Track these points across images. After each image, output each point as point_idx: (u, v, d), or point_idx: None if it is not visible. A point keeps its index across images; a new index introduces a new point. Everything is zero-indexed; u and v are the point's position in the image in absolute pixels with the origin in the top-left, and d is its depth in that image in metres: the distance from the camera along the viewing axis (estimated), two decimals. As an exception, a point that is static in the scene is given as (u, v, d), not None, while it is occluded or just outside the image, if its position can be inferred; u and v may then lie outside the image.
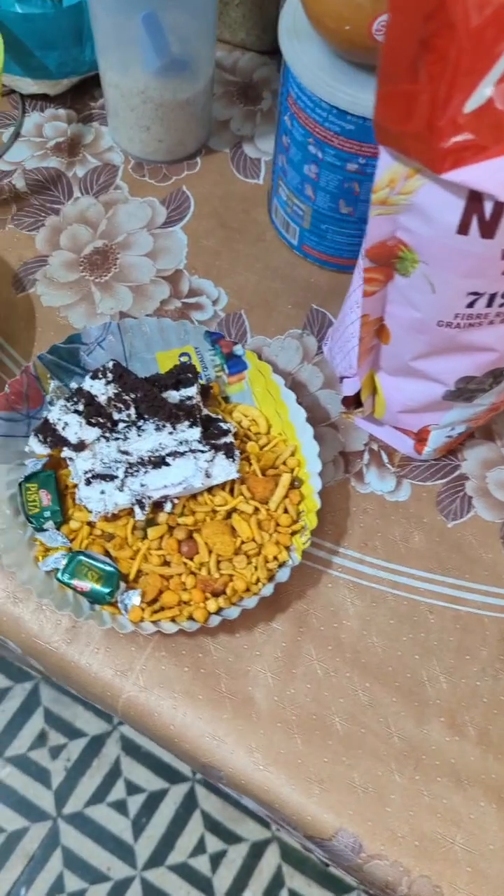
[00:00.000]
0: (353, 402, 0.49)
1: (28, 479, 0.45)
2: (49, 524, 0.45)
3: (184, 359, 0.50)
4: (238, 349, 0.49)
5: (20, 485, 0.45)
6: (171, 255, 0.55)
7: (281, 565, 0.44)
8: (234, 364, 0.50)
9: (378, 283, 0.38)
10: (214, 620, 0.42)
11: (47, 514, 0.45)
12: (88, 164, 0.58)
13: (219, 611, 0.43)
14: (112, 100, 0.55)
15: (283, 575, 0.44)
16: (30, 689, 1.17)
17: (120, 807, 1.12)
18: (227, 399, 0.50)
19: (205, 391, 0.49)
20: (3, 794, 1.11)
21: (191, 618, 0.43)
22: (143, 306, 0.54)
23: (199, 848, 1.10)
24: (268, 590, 0.43)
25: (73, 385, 0.49)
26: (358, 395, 0.47)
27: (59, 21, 0.54)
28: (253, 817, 1.12)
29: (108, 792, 1.12)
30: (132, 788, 1.13)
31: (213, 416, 0.47)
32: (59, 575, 0.43)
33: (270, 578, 0.44)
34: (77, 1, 0.54)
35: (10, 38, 0.55)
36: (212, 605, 0.43)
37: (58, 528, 0.45)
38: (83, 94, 0.61)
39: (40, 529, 0.45)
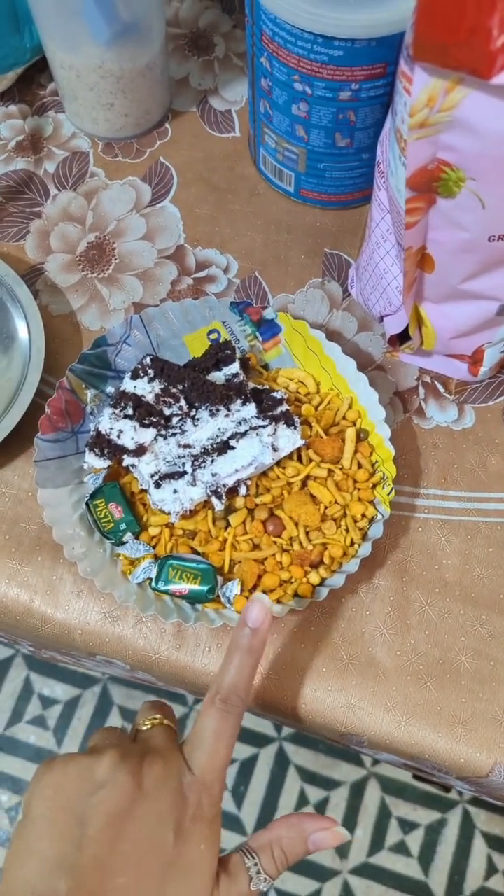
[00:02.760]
0: (398, 338, 0.47)
1: (93, 496, 0.44)
2: (128, 536, 0.43)
3: (213, 336, 0.48)
4: (269, 313, 0.47)
5: (87, 504, 0.44)
6: (167, 232, 0.53)
7: (370, 521, 0.43)
8: (267, 329, 0.48)
9: (420, 211, 0.36)
10: (322, 593, 0.41)
11: (123, 526, 0.43)
12: (56, 156, 0.55)
13: (322, 581, 0.42)
14: (66, 83, 0.51)
15: (376, 531, 0.42)
16: (99, 693, 1.17)
17: (216, 781, 1.13)
18: (266, 367, 0.49)
19: (244, 364, 0.47)
20: (101, 797, 1.12)
21: (296, 594, 0.42)
22: (154, 292, 0.51)
23: (302, 801, 1.12)
24: (366, 549, 0.42)
25: (110, 389, 0.47)
26: (403, 330, 0.46)
27: (-7, 11, 0.50)
28: (345, 759, 1.13)
29: (200, 770, 1.13)
30: (223, 761, 1.14)
31: (260, 387, 0.46)
32: (153, 584, 0.42)
33: (363, 537, 0.43)
34: (5, -15, 0.50)
35: None
36: (314, 577, 0.42)
37: (137, 538, 0.43)
38: (29, 83, 0.57)
39: (120, 543, 0.43)
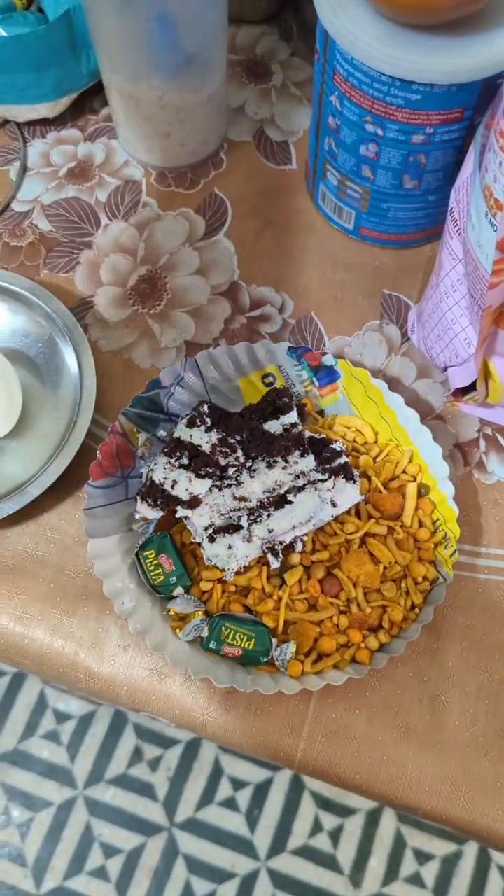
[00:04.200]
0: (461, 389, 0.46)
1: (143, 546, 0.42)
2: (178, 590, 0.42)
3: (268, 380, 0.47)
4: (328, 360, 0.45)
5: (137, 554, 0.42)
6: (221, 267, 0.51)
7: (431, 584, 0.42)
8: (325, 375, 0.46)
9: (506, 273, 0.35)
10: (381, 660, 0.39)
11: (173, 580, 0.41)
12: (108, 185, 0.54)
13: (380, 647, 0.40)
14: (123, 111, 0.50)
15: (438, 596, 0.41)
16: (114, 710, 1.16)
17: (230, 804, 1.11)
18: (321, 413, 0.47)
19: (299, 410, 0.45)
20: (113, 815, 1.11)
21: (353, 660, 0.40)
22: (207, 330, 0.50)
23: (317, 827, 1.11)
24: (427, 615, 0.40)
25: (161, 433, 0.45)
26: (467, 385, 0.44)
27: (51, 37, 0.49)
28: (363, 787, 1.11)
29: (214, 792, 1.12)
30: (237, 784, 1.12)
31: (317, 436, 0.44)
32: (205, 644, 0.40)
33: (425, 600, 0.41)
34: (64, 10, 0.49)
35: (0, 64, 0.49)
36: (372, 642, 0.40)
37: (188, 592, 0.42)
38: (82, 109, 0.56)
39: (170, 598, 0.42)
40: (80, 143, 0.55)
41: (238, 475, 0.42)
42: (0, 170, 0.54)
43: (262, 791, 1.12)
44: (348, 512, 0.42)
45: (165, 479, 0.42)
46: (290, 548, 0.42)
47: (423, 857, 1.09)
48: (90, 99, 0.56)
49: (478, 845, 1.09)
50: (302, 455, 0.42)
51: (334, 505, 0.41)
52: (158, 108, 0.48)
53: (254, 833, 1.10)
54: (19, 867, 1.08)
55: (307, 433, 0.44)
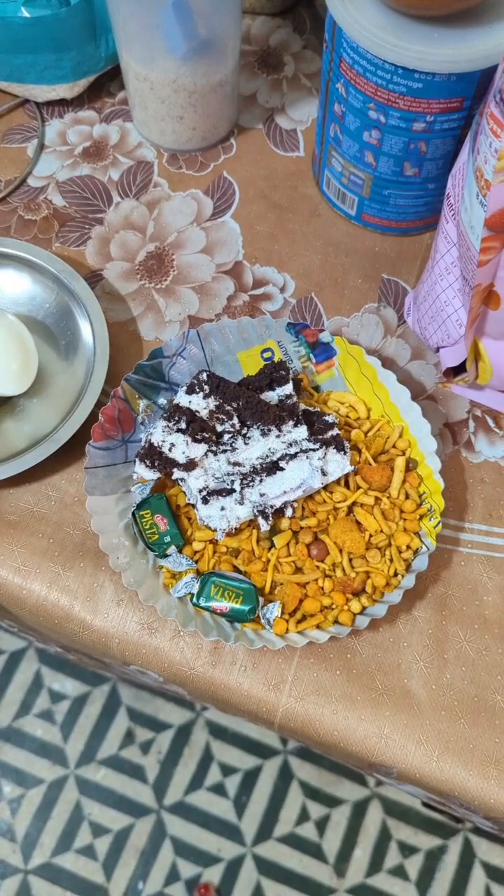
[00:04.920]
0: (453, 370, 0.47)
1: (140, 506, 0.44)
2: (171, 549, 0.43)
3: (267, 355, 0.48)
4: (325, 336, 0.47)
5: (133, 514, 0.44)
6: (226, 247, 0.53)
7: (415, 553, 0.43)
8: (322, 352, 0.48)
9: (493, 251, 0.36)
10: (362, 622, 0.41)
11: (167, 539, 0.43)
12: (121, 164, 0.56)
13: (363, 610, 0.42)
14: (139, 93, 0.52)
15: (421, 563, 0.42)
16: (108, 692, 1.18)
17: (218, 789, 1.13)
18: (317, 388, 0.49)
19: (296, 384, 0.47)
20: (103, 795, 1.12)
21: (336, 621, 0.42)
22: (210, 306, 0.51)
23: (303, 816, 1.12)
24: (409, 581, 0.42)
25: (161, 400, 0.47)
26: (457, 364, 0.46)
27: (72, 19, 0.51)
28: (349, 777, 1.13)
29: (204, 777, 1.13)
30: (227, 770, 1.14)
31: (312, 409, 0.46)
32: (194, 600, 0.42)
33: (407, 568, 0.43)
34: (86, -6, 0.51)
35: (21, 44, 0.51)
36: (355, 605, 0.42)
37: (180, 551, 0.44)
38: (99, 91, 0.58)
39: (163, 555, 0.43)
40: (96, 124, 0.57)
41: (233, 441, 0.44)
42: (18, 147, 0.56)
43: (250, 778, 1.13)
44: (338, 482, 0.44)
45: (163, 441, 0.44)
46: (280, 512, 0.43)
47: (407, 849, 1.10)
48: (107, 82, 0.58)
49: (462, 841, 1.10)
50: (295, 425, 0.44)
51: (324, 474, 0.43)
52: (172, 91, 0.50)
53: (241, 819, 1.12)
54: (8, 842, 1.10)
55: (301, 405, 0.45)
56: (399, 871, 1.09)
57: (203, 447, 0.44)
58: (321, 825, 1.11)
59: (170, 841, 1.10)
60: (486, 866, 1.09)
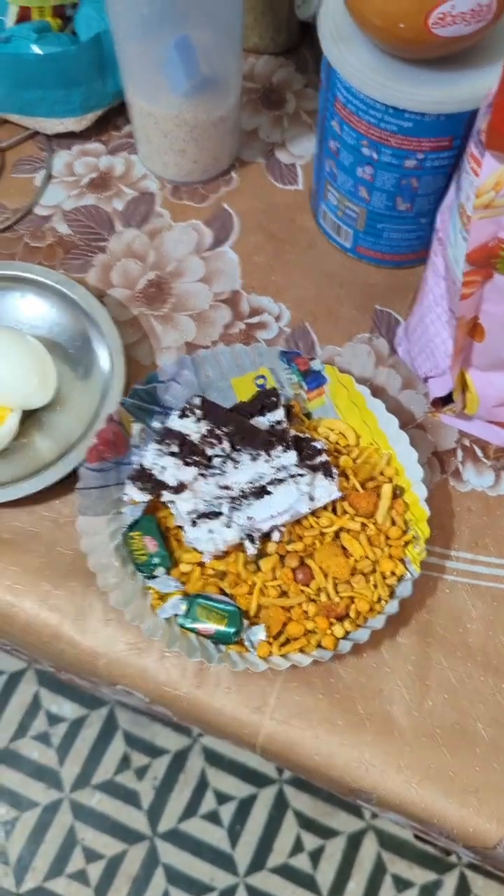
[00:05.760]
0: (441, 400, 0.48)
1: (131, 527, 0.45)
2: (159, 570, 0.44)
3: (259, 381, 0.49)
4: (316, 364, 0.48)
5: (124, 535, 0.45)
6: (225, 276, 0.54)
7: (399, 579, 0.44)
8: (313, 380, 0.49)
9: (476, 284, 0.37)
10: (345, 646, 0.42)
11: (156, 560, 0.44)
12: (125, 195, 0.57)
13: (346, 635, 0.43)
14: (143, 127, 0.54)
15: (405, 590, 0.43)
16: (105, 715, 1.17)
17: (213, 817, 1.12)
18: (308, 415, 0.50)
19: (287, 411, 0.48)
20: (97, 820, 1.12)
21: (319, 646, 0.42)
22: (206, 334, 0.53)
23: (297, 847, 1.11)
24: (393, 607, 0.43)
25: (155, 424, 0.48)
26: (446, 393, 0.47)
27: (81, 57, 0.53)
28: (345, 809, 1.12)
29: (198, 804, 1.13)
30: (222, 798, 1.13)
31: (302, 435, 0.47)
32: (180, 621, 0.43)
33: (391, 594, 0.44)
34: (95, 33, 0.53)
35: (32, 79, 0.54)
36: (338, 630, 0.43)
37: (168, 573, 0.44)
38: (106, 125, 0.60)
39: (151, 577, 0.44)
40: (102, 156, 0.59)
41: (223, 465, 0.45)
42: (26, 177, 0.58)
43: (245, 806, 1.12)
44: (325, 507, 0.45)
45: (155, 464, 0.45)
46: (267, 537, 0.44)
47: (402, 883, 1.09)
48: (114, 116, 0.60)
49: (458, 876, 1.08)
50: (285, 450, 0.45)
51: (312, 499, 0.44)
52: (174, 125, 0.52)
53: (234, 848, 1.11)
54: (1, 865, 1.09)
55: (292, 431, 0.46)
56: (394, 907, 1.08)
57: (193, 470, 0.45)
58: (315, 856, 1.10)
59: (162, 868, 1.09)
60: (482, 903, 1.08)
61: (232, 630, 0.42)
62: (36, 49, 0.53)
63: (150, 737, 1.16)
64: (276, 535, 0.44)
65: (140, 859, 1.10)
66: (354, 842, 1.11)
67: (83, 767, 1.14)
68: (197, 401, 0.46)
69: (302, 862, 1.10)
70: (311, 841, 1.11)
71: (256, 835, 1.11)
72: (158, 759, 1.15)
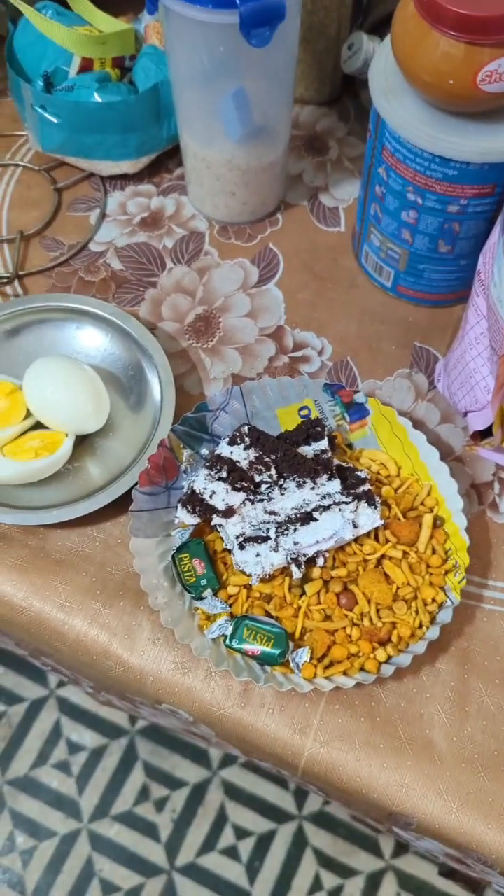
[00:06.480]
0: (480, 434, 0.50)
1: (179, 549, 0.47)
2: (207, 592, 0.46)
3: (304, 412, 0.51)
4: (359, 397, 0.50)
5: (173, 556, 0.46)
6: (269, 312, 0.57)
7: (440, 606, 0.45)
8: (356, 412, 0.51)
9: (521, 324, 0.39)
10: (388, 670, 0.43)
11: (204, 582, 0.46)
12: (175, 234, 0.60)
13: (388, 659, 0.44)
14: (195, 171, 0.57)
15: (445, 616, 0.44)
16: (126, 745, 1.18)
17: (231, 853, 1.11)
18: (350, 446, 0.51)
19: (330, 441, 0.50)
20: (115, 852, 1.11)
21: (363, 669, 0.44)
22: (252, 366, 0.55)
23: (316, 885, 1.10)
24: (433, 633, 0.44)
25: (204, 451, 0.50)
26: (485, 427, 0.48)
27: (139, 105, 0.56)
28: (364, 848, 1.11)
29: (217, 839, 1.12)
30: (241, 833, 1.12)
31: (345, 465, 0.48)
32: (227, 641, 0.44)
33: (432, 621, 0.45)
34: (153, 84, 0.56)
35: (92, 125, 0.57)
36: (381, 654, 0.44)
37: (216, 595, 0.46)
38: (159, 167, 0.63)
39: (199, 598, 0.46)
40: (154, 196, 0.62)
41: (270, 491, 0.47)
42: (82, 215, 0.61)
43: (264, 842, 1.12)
44: (368, 535, 0.46)
45: (205, 489, 0.46)
46: (312, 561, 0.46)
47: (422, 927, 1.07)
48: (166, 159, 0.63)
49: (479, 921, 1.07)
50: (329, 479, 0.47)
51: (356, 526, 0.45)
52: (227, 170, 0.55)
53: (253, 885, 1.10)
54: (18, 895, 1.09)
55: (335, 461, 0.48)
56: None
57: (242, 496, 0.46)
58: (334, 896, 1.09)
59: (180, 904, 1.09)
60: None
61: (278, 651, 0.43)
62: (97, 97, 0.56)
63: (169, 768, 1.16)
64: (320, 561, 0.45)
65: (157, 893, 1.09)
66: (374, 882, 1.09)
67: (102, 797, 1.14)
68: (245, 429, 0.47)
69: (320, 901, 1.08)
70: (329, 880, 1.10)
71: (275, 872, 1.10)
72: (178, 791, 1.15)
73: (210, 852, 1.11)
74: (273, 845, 1.11)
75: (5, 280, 0.58)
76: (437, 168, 0.46)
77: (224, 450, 0.47)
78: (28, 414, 0.51)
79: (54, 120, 0.57)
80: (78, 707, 1.19)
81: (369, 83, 0.47)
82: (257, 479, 0.47)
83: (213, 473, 0.47)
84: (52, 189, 0.62)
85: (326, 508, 0.46)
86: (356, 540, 0.46)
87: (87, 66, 0.58)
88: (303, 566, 0.45)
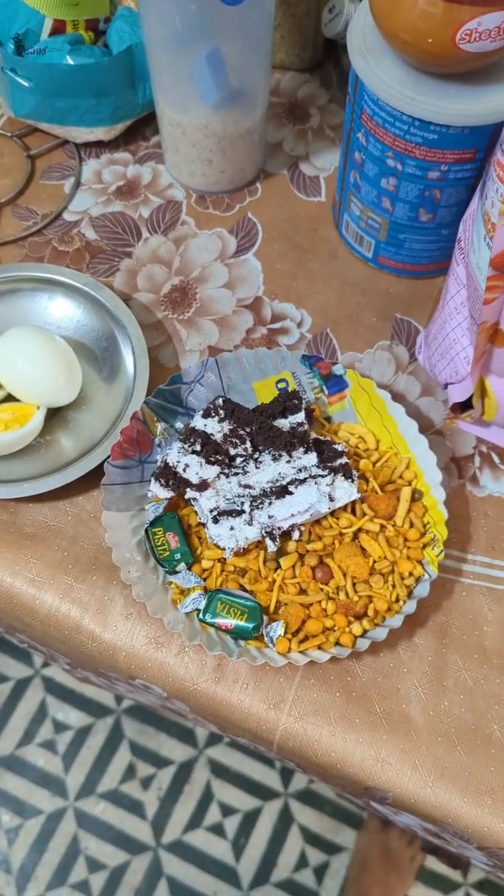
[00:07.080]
0: (460, 406, 0.49)
1: (153, 523, 0.46)
2: (181, 566, 0.45)
3: (281, 385, 0.50)
4: (338, 369, 0.49)
5: (146, 530, 0.46)
6: (248, 283, 0.56)
7: (417, 580, 0.44)
8: (334, 384, 0.50)
9: (499, 289, 0.38)
10: (363, 644, 0.42)
11: (178, 556, 0.45)
12: (151, 203, 0.59)
13: (364, 633, 0.43)
14: (171, 137, 0.55)
15: (422, 590, 0.44)
16: (112, 724, 1.17)
17: (217, 830, 1.12)
18: (329, 419, 0.50)
19: (308, 414, 0.49)
20: (101, 830, 1.11)
21: (338, 643, 0.43)
22: (229, 338, 0.54)
23: (302, 862, 1.10)
24: (410, 607, 0.43)
25: (178, 424, 0.49)
26: (465, 400, 0.47)
27: (113, 68, 0.55)
28: (350, 824, 1.11)
29: (203, 816, 1.12)
30: (227, 810, 1.13)
31: (322, 438, 0.48)
32: (201, 615, 0.43)
33: (409, 595, 0.44)
34: (126, 46, 0.55)
35: (64, 89, 0.55)
36: (356, 628, 0.43)
37: (190, 569, 0.45)
38: (135, 134, 0.61)
39: (173, 572, 0.45)
40: (130, 164, 0.60)
41: (245, 465, 0.46)
42: (56, 184, 0.60)
43: (250, 819, 1.12)
44: (344, 508, 0.45)
45: (178, 462, 0.45)
46: (287, 535, 0.45)
47: (407, 902, 1.08)
48: (142, 126, 0.61)
49: (463, 894, 1.07)
50: (306, 451, 0.46)
51: (332, 499, 0.45)
52: (202, 135, 0.53)
53: (238, 862, 1.10)
54: (3, 873, 1.09)
55: (312, 434, 0.47)
56: (398, 925, 1.07)
57: (216, 469, 0.45)
58: (320, 872, 1.09)
59: (166, 881, 1.09)
60: (487, 923, 1.07)
61: (251, 625, 0.43)
62: (69, 60, 0.55)
63: (155, 747, 1.16)
64: (296, 534, 0.45)
65: (143, 870, 1.09)
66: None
67: (88, 776, 1.14)
68: (220, 401, 0.46)
69: (306, 877, 1.09)
70: (315, 856, 1.10)
71: (261, 848, 1.11)
72: (164, 769, 1.15)
73: (196, 829, 1.11)
74: (259, 822, 1.12)
75: (-23, 250, 0.56)
76: (416, 132, 0.45)
77: (198, 422, 0.46)
78: (-2, 386, 0.50)
79: (25, 84, 0.55)
80: (63, 686, 1.19)
81: (347, 43, 0.46)
82: (232, 452, 0.46)
83: (186, 446, 0.46)
84: (25, 156, 0.60)
85: (302, 482, 0.45)
86: (333, 513, 0.45)
87: (59, 28, 0.57)
88: (277, 540, 0.44)
